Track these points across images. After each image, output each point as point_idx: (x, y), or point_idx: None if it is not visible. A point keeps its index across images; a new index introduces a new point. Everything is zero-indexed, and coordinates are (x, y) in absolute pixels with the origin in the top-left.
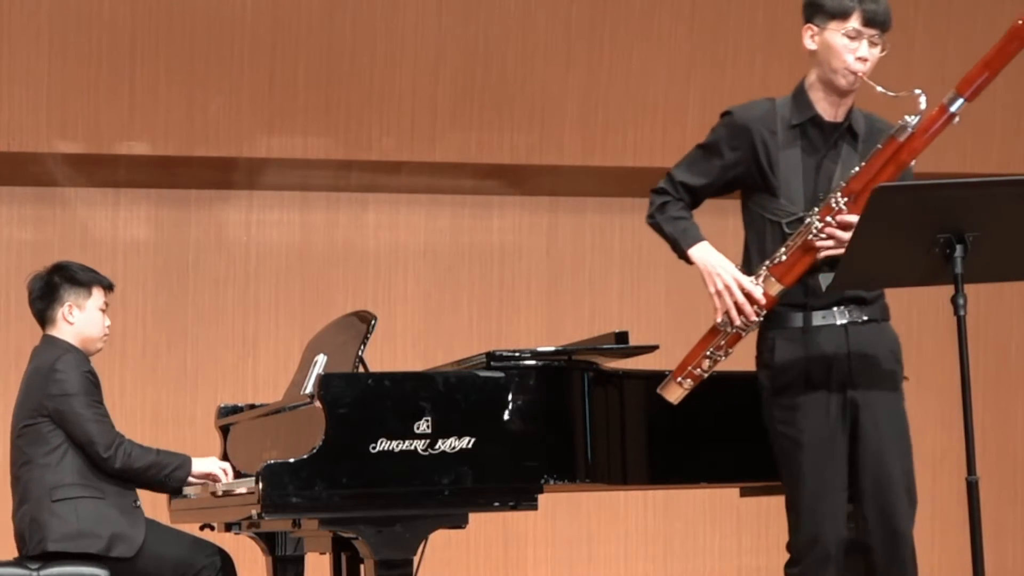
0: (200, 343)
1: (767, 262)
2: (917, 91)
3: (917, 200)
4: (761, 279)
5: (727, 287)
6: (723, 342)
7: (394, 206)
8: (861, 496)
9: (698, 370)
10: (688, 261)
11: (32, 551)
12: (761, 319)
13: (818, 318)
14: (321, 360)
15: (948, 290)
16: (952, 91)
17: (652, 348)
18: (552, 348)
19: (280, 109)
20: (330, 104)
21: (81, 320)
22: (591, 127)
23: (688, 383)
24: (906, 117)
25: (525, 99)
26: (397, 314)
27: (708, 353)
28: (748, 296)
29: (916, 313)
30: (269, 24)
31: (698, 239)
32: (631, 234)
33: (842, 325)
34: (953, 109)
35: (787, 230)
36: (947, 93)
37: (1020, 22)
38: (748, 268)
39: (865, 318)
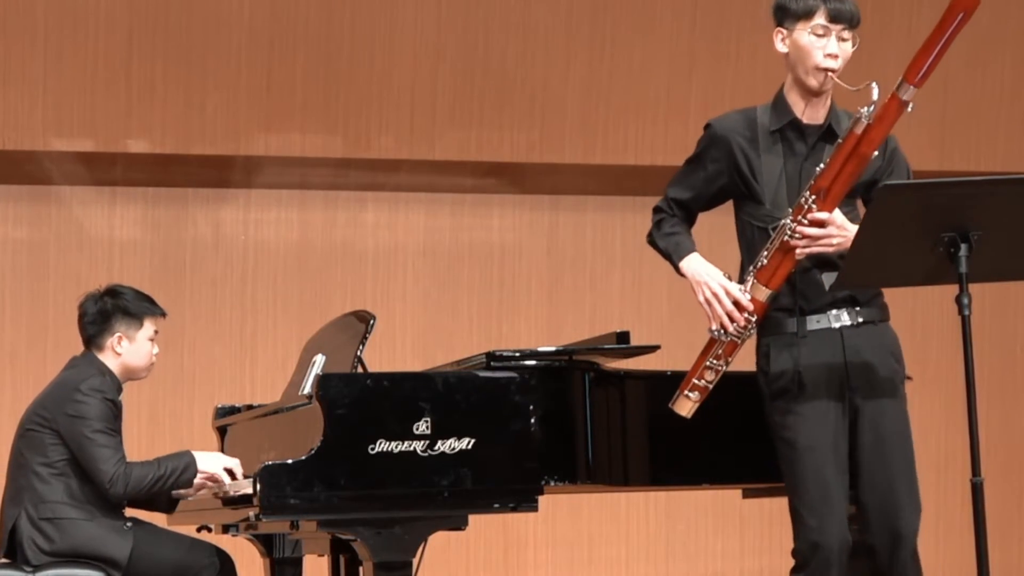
0: (197, 343)
1: (751, 267)
2: (873, 84)
3: (921, 199)
4: (749, 285)
5: (715, 295)
6: (720, 351)
7: (393, 205)
8: (863, 499)
9: (702, 381)
10: (681, 274)
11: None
12: (754, 326)
13: (812, 322)
14: (319, 360)
15: (952, 290)
16: (900, 79)
17: (654, 348)
18: (553, 348)
19: (278, 107)
20: (328, 102)
21: (129, 351)
22: (592, 125)
23: (696, 395)
24: (860, 109)
25: (525, 96)
26: (396, 314)
27: (708, 364)
28: (736, 303)
29: (920, 313)
30: (267, 21)
31: (689, 251)
32: (632, 233)
33: (837, 329)
34: (905, 97)
35: (772, 235)
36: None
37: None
38: (743, 277)
39: (861, 320)
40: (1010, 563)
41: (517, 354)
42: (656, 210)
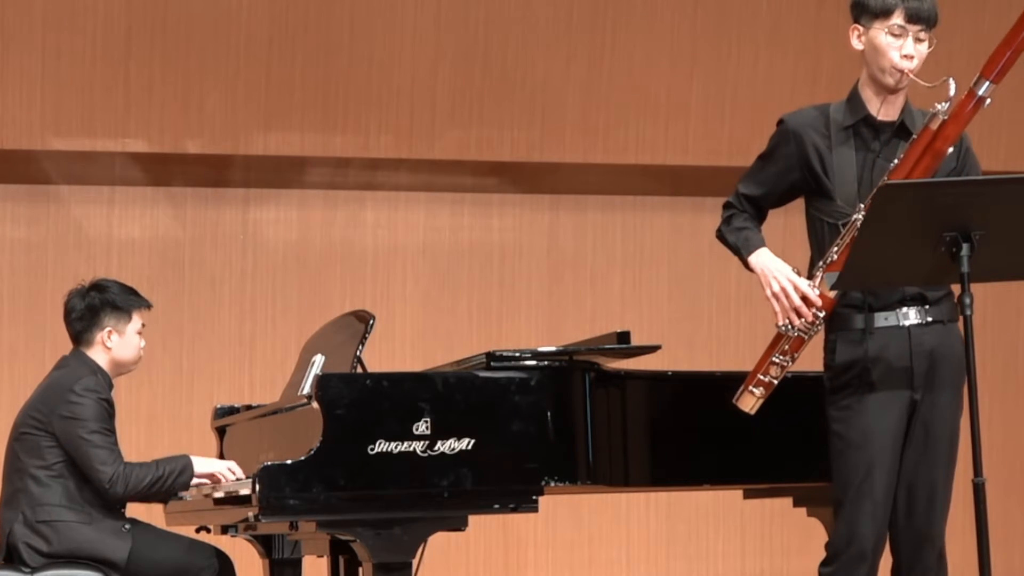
0: (196, 343)
1: (821, 263)
2: (950, 80)
3: (923, 198)
4: (818, 281)
5: (783, 289)
6: (787, 347)
7: (393, 204)
8: (899, 494)
9: (767, 377)
10: (750, 269)
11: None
12: (821, 321)
13: (880, 319)
14: (319, 360)
15: (954, 289)
16: (978, 75)
17: (654, 348)
18: (553, 348)
19: (277, 106)
20: (327, 100)
21: (119, 345)
22: (592, 124)
23: (760, 391)
24: (936, 105)
25: (525, 95)
26: (396, 313)
27: (774, 359)
28: (804, 298)
29: None
30: (266, 19)
31: (758, 246)
32: (633, 232)
33: (906, 327)
34: (981, 92)
35: (843, 231)
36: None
37: None
38: (812, 272)
39: (930, 319)
40: (1012, 564)
41: (517, 354)
42: (726, 206)
